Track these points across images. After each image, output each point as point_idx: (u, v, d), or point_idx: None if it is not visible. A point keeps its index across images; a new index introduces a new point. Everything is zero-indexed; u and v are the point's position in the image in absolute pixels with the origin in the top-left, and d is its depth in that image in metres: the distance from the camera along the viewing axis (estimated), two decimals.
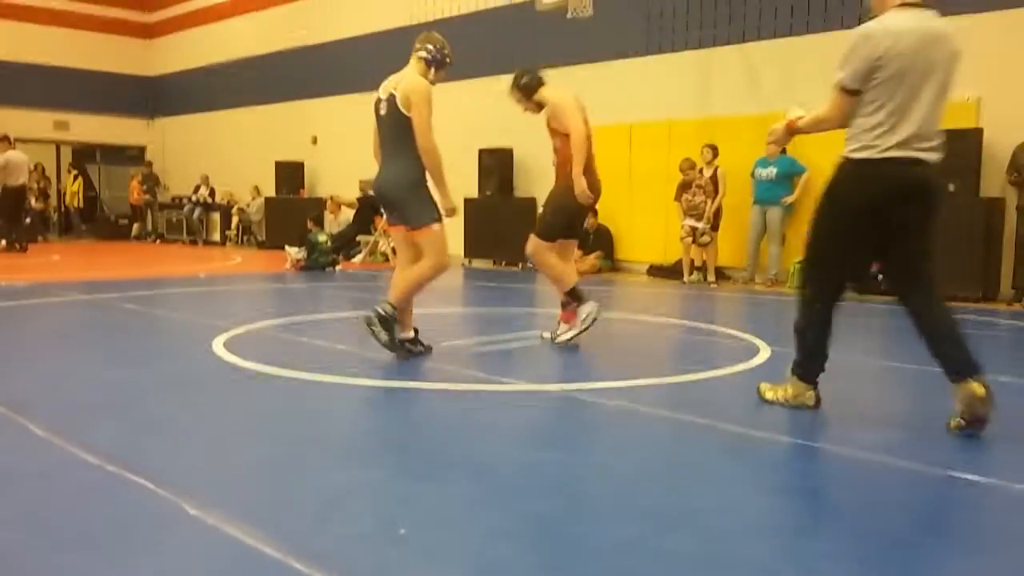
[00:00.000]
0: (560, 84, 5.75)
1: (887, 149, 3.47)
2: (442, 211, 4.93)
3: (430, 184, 4.87)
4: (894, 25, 3.47)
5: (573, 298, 5.54)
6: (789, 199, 10.19)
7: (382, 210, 5.44)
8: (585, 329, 5.48)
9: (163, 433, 3.44)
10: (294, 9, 17.53)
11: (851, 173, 3.59)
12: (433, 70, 4.94)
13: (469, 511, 2.63)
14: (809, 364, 3.83)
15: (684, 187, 10.75)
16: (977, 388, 3.36)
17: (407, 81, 4.79)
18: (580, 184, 5.26)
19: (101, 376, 4.58)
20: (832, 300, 3.73)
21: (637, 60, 11.84)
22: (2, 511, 2.56)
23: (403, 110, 4.72)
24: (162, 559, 2.22)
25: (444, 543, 2.36)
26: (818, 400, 3.87)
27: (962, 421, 3.44)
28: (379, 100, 4.87)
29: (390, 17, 15.34)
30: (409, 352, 5.02)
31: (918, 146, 3.48)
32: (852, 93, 3.55)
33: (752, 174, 10.42)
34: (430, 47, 4.93)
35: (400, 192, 4.82)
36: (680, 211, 10.81)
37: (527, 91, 5.51)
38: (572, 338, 5.50)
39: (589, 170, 5.36)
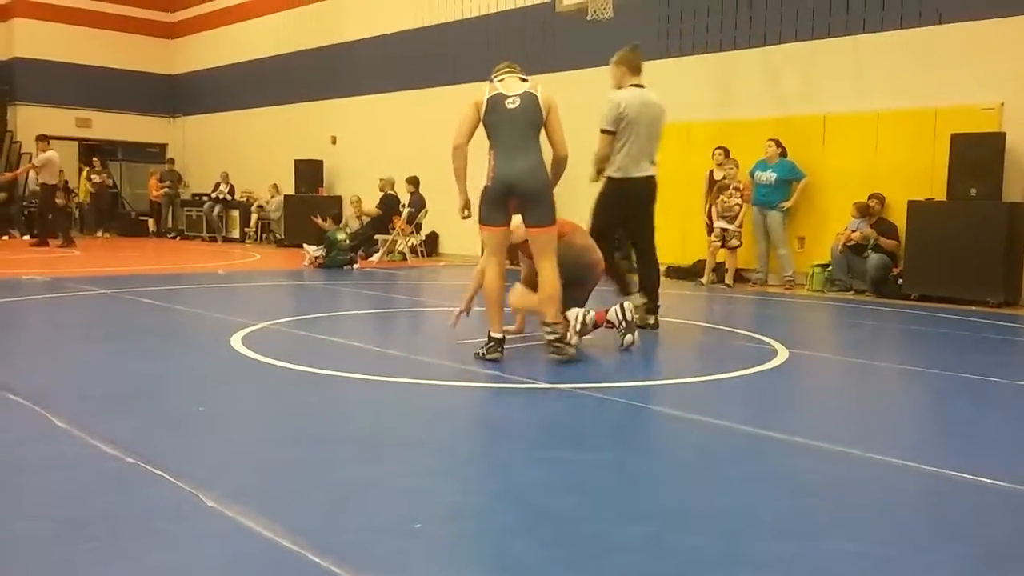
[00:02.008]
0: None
1: (628, 171, 6.08)
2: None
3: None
4: (627, 94, 6.10)
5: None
6: (786, 204, 10.13)
7: (489, 207, 4.86)
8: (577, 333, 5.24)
9: (181, 426, 3.47)
10: (314, 10, 17.62)
11: (610, 185, 6.16)
12: None
13: (485, 507, 2.64)
14: (623, 287, 6.29)
15: (722, 189, 10.51)
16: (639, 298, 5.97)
17: (544, 90, 4.92)
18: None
19: (121, 369, 4.62)
20: (613, 251, 6.26)
21: (657, 63, 11.78)
22: (22, 501, 2.59)
23: (543, 111, 4.86)
24: (179, 550, 2.24)
25: (460, 538, 2.37)
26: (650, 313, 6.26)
27: (649, 319, 6.17)
28: (501, 95, 4.85)
29: (409, 18, 15.40)
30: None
31: (643, 166, 6.13)
32: (609, 134, 6.03)
33: (751, 175, 10.37)
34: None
35: (544, 187, 4.88)
36: (716, 214, 10.53)
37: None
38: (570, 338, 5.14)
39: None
